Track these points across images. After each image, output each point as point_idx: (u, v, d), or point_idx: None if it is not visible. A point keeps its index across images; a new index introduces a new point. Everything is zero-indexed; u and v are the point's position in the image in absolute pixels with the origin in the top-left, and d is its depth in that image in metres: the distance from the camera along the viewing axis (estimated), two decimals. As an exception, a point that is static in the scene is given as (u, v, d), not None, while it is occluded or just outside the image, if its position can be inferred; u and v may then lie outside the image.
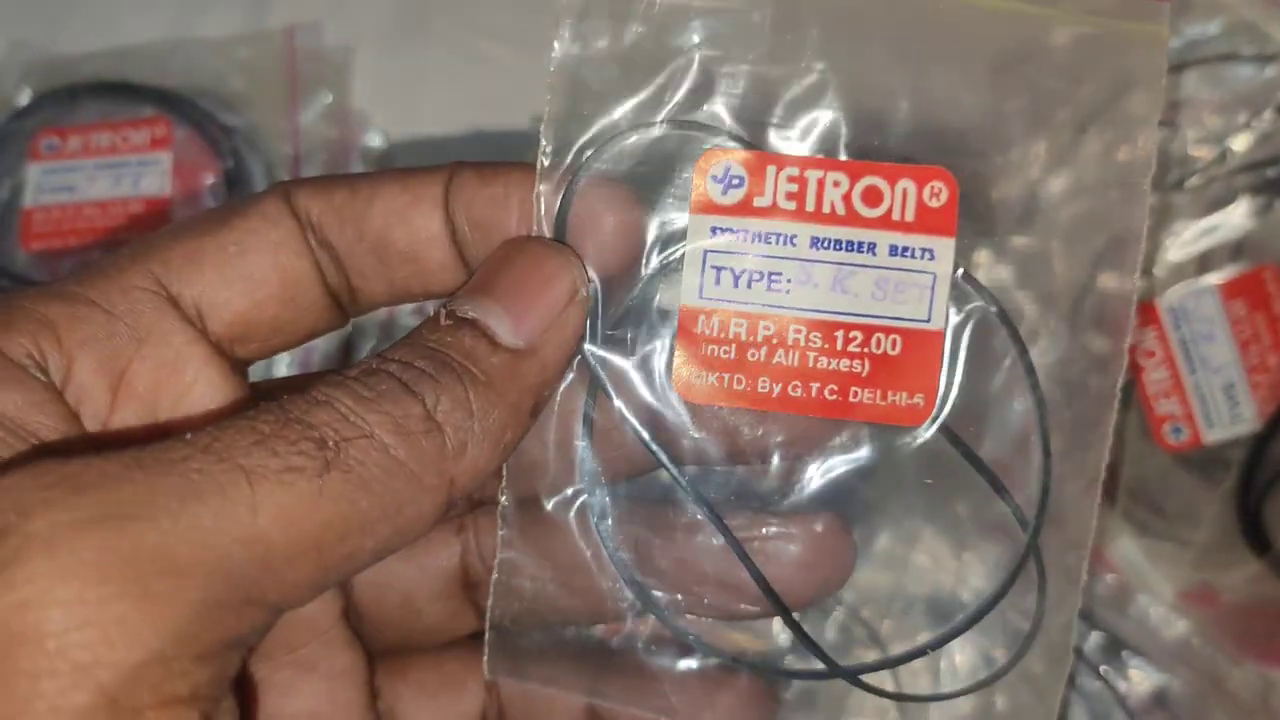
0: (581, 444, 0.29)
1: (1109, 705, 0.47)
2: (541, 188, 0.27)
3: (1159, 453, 0.49)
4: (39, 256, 0.56)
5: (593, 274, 0.28)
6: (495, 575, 0.29)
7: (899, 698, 0.31)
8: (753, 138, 0.28)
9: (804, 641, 0.29)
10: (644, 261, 0.28)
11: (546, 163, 0.28)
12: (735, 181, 0.28)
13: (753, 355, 0.28)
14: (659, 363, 0.28)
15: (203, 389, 0.26)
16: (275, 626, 0.23)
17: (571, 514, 0.29)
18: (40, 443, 0.23)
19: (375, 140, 0.59)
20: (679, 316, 0.28)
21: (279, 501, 0.21)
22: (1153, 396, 0.49)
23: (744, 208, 0.28)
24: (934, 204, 0.27)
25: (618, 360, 0.29)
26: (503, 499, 0.29)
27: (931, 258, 0.28)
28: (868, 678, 0.30)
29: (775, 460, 0.29)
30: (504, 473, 0.29)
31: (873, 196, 0.28)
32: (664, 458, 0.29)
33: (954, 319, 0.28)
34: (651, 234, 0.28)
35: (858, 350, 0.28)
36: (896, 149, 0.28)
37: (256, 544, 0.21)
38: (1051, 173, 0.28)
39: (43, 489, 0.20)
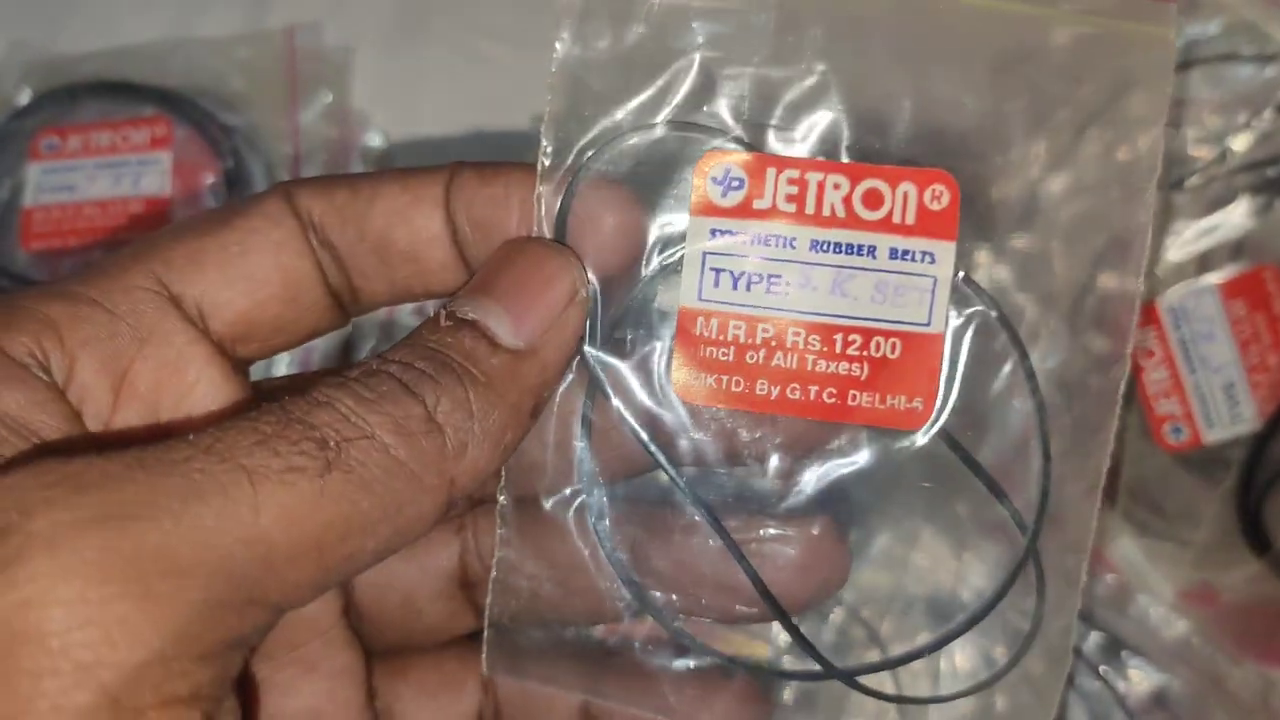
0: (580, 444, 0.29)
1: (1108, 705, 0.47)
2: (542, 188, 0.27)
3: (1159, 452, 0.49)
4: (39, 256, 0.56)
5: (592, 275, 0.28)
6: (493, 574, 0.29)
7: (894, 699, 0.31)
8: (753, 139, 0.28)
9: (800, 643, 0.29)
10: (644, 263, 0.28)
11: (547, 163, 0.28)
12: (735, 183, 0.28)
13: (751, 357, 0.28)
14: (658, 364, 0.28)
15: (205, 389, 0.26)
16: (276, 626, 0.23)
17: (570, 514, 0.29)
18: (42, 442, 0.23)
19: (375, 140, 0.59)
20: (678, 318, 0.28)
21: (281, 501, 0.21)
22: (1153, 396, 0.49)
23: (744, 210, 0.28)
24: (935, 207, 0.27)
25: (617, 361, 0.29)
26: (501, 498, 0.29)
27: (932, 261, 0.28)
28: (866, 679, 0.30)
29: (773, 462, 0.29)
30: (503, 472, 0.29)
31: (873, 199, 0.28)
32: (662, 459, 0.29)
33: (954, 322, 0.28)
34: (651, 235, 0.28)
35: (857, 353, 0.28)
36: (898, 151, 0.28)
37: (258, 544, 0.21)
38: (1052, 173, 0.28)
39: (44, 488, 0.20)
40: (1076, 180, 0.28)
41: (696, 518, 0.29)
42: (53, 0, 0.62)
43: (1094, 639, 0.48)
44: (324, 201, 0.27)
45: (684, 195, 0.28)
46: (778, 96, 0.28)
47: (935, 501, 0.31)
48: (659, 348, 0.28)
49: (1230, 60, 0.49)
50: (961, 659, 0.32)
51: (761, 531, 0.29)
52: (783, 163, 0.28)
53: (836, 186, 0.28)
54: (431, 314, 0.50)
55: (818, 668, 0.30)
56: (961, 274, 0.28)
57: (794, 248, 0.28)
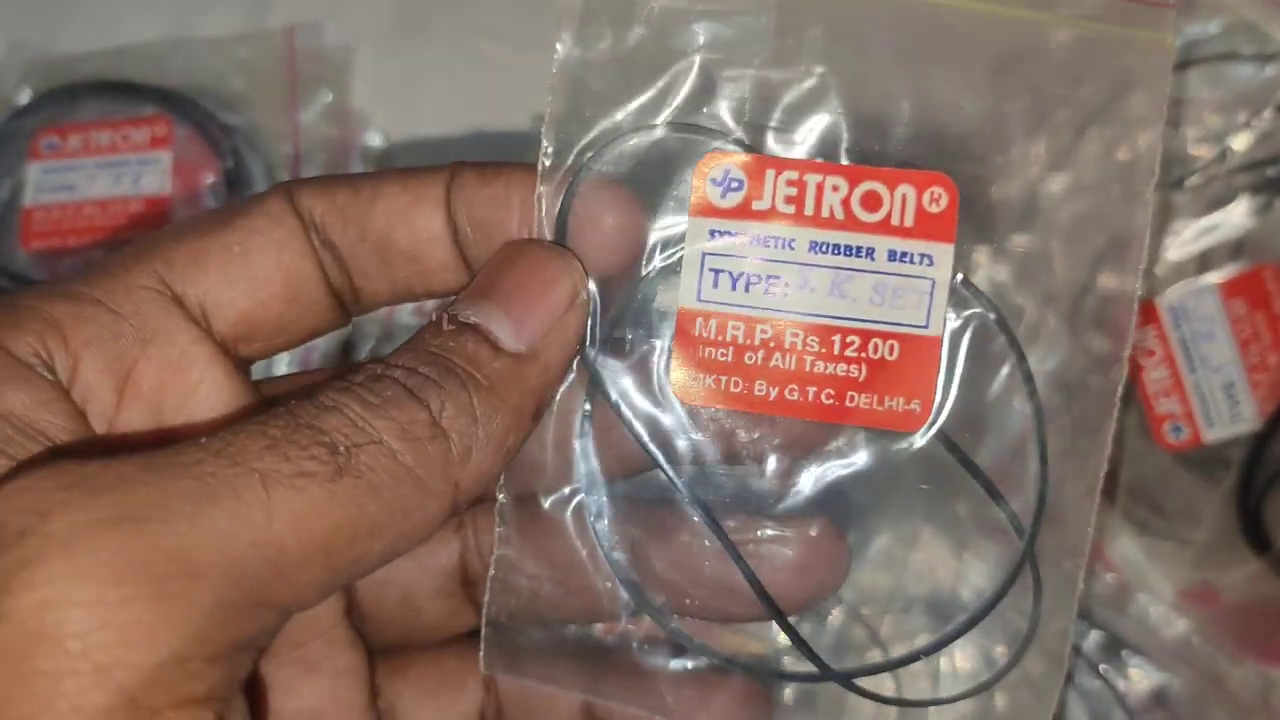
0: (579, 444, 0.29)
1: (1109, 704, 0.48)
2: (542, 188, 0.28)
3: (1159, 452, 0.49)
4: (39, 256, 0.56)
5: (592, 275, 0.28)
6: (492, 572, 0.29)
7: (891, 701, 0.31)
8: (753, 141, 0.28)
9: (799, 645, 0.29)
10: (643, 263, 0.28)
11: (548, 163, 0.28)
12: (734, 185, 0.28)
13: (750, 358, 0.28)
14: (657, 364, 0.29)
15: (208, 388, 0.26)
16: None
17: (568, 513, 0.29)
18: (54, 445, 0.24)
19: (375, 140, 0.59)
20: (677, 319, 0.28)
21: (292, 506, 0.22)
22: (1153, 395, 0.49)
23: (743, 211, 0.28)
24: (933, 209, 0.27)
25: (616, 361, 0.29)
26: (500, 497, 0.29)
27: (930, 263, 0.28)
28: (865, 680, 0.30)
29: (772, 463, 0.29)
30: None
31: (872, 201, 0.28)
32: (660, 459, 0.29)
33: (953, 324, 0.28)
34: (651, 236, 0.28)
35: (855, 355, 0.28)
36: (897, 153, 0.28)
37: (270, 547, 0.21)
38: (1051, 173, 0.28)
39: (60, 489, 0.20)
40: (1075, 180, 0.28)
41: (695, 519, 0.29)
42: (53, 0, 0.62)
43: (1094, 638, 0.48)
44: (325, 201, 0.27)
45: (683, 196, 0.28)
46: (777, 98, 0.28)
47: (935, 502, 0.31)
48: (658, 348, 0.28)
49: (1230, 60, 0.49)
50: (961, 659, 0.32)
51: (759, 532, 0.29)
52: (782, 164, 0.28)
53: (835, 188, 0.28)
54: (431, 313, 0.50)
55: (815, 669, 0.30)
56: (960, 276, 0.28)
57: (793, 249, 0.28)
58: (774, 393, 0.28)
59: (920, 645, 0.32)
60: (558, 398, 0.28)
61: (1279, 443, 0.47)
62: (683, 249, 0.28)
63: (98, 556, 0.20)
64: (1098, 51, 0.27)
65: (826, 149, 0.28)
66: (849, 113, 0.28)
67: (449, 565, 0.31)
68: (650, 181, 0.28)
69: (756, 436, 0.29)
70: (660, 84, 0.28)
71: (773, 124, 0.28)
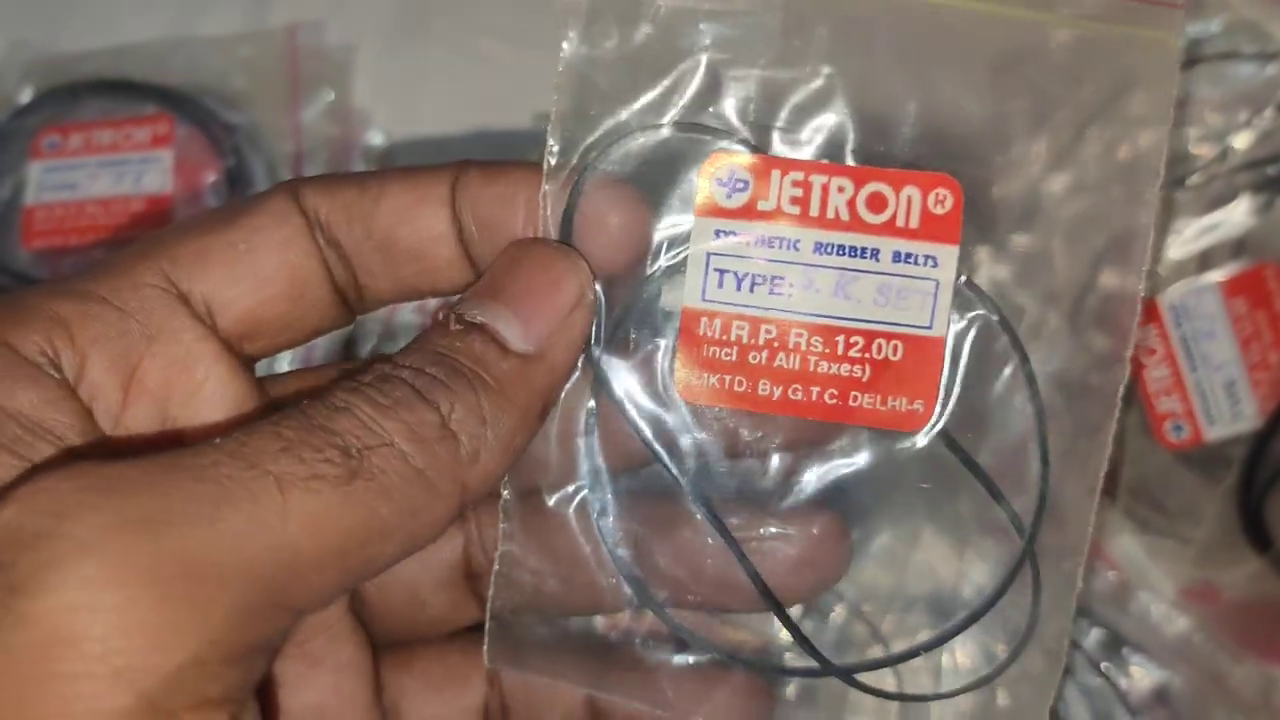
0: (583, 441, 0.29)
1: (1110, 702, 0.48)
2: (547, 187, 0.28)
3: (1160, 450, 0.49)
4: (40, 254, 0.56)
5: (597, 274, 0.28)
6: (496, 567, 0.29)
7: (890, 696, 0.31)
8: (759, 141, 0.28)
9: (800, 640, 0.30)
10: (649, 262, 0.28)
11: (553, 162, 0.28)
12: (740, 185, 0.28)
13: (754, 358, 0.28)
14: (661, 363, 0.29)
15: (213, 386, 0.26)
16: None
17: (572, 509, 0.29)
18: (70, 446, 0.24)
19: (377, 138, 0.59)
20: (681, 318, 0.28)
21: (307, 508, 0.22)
22: (1154, 394, 0.49)
23: (748, 211, 0.28)
24: (938, 211, 0.27)
25: (620, 360, 0.29)
26: (504, 493, 0.29)
27: (935, 264, 0.28)
28: (865, 676, 0.30)
29: (775, 462, 0.29)
30: None
31: (877, 202, 0.28)
32: (664, 457, 0.29)
33: (956, 325, 0.28)
34: (656, 235, 0.28)
35: (859, 355, 0.28)
36: (902, 154, 0.28)
37: (286, 550, 0.21)
38: (1054, 172, 0.28)
39: (78, 492, 0.20)
40: (1078, 180, 0.28)
41: (698, 516, 0.29)
42: (54, 0, 0.62)
43: (1095, 636, 0.48)
44: (330, 200, 0.27)
45: (689, 196, 0.28)
46: (783, 98, 0.28)
47: (936, 500, 0.31)
48: (662, 347, 0.29)
49: (1231, 58, 0.49)
50: (962, 655, 0.32)
51: (762, 530, 0.29)
52: (787, 165, 0.28)
53: (841, 189, 0.28)
54: (433, 311, 0.50)
55: (817, 665, 0.30)
56: (964, 278, 0.28)
57: (798, 249, 0.28)
58: (778, 392, 0.28)
59: (921, 642, 0.33)
60: (562, 396, 0.28)
61: (1280, 441, 0.47)
62: (687, 248, 0.28)
63: (116, 559, 0.20)
64: (1102, 52, 0.27)
65: (832, 150, 0.28)
66: (855, 113, 0.28)
67: (452, 559, 0.31)
68: (655, 181, 0.28)
69: (760, 435, 0.29)
70: (666, 83, 0.28)
71: (778, 124, 0.28)
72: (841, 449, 0.29)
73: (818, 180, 0.28)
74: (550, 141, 0.28)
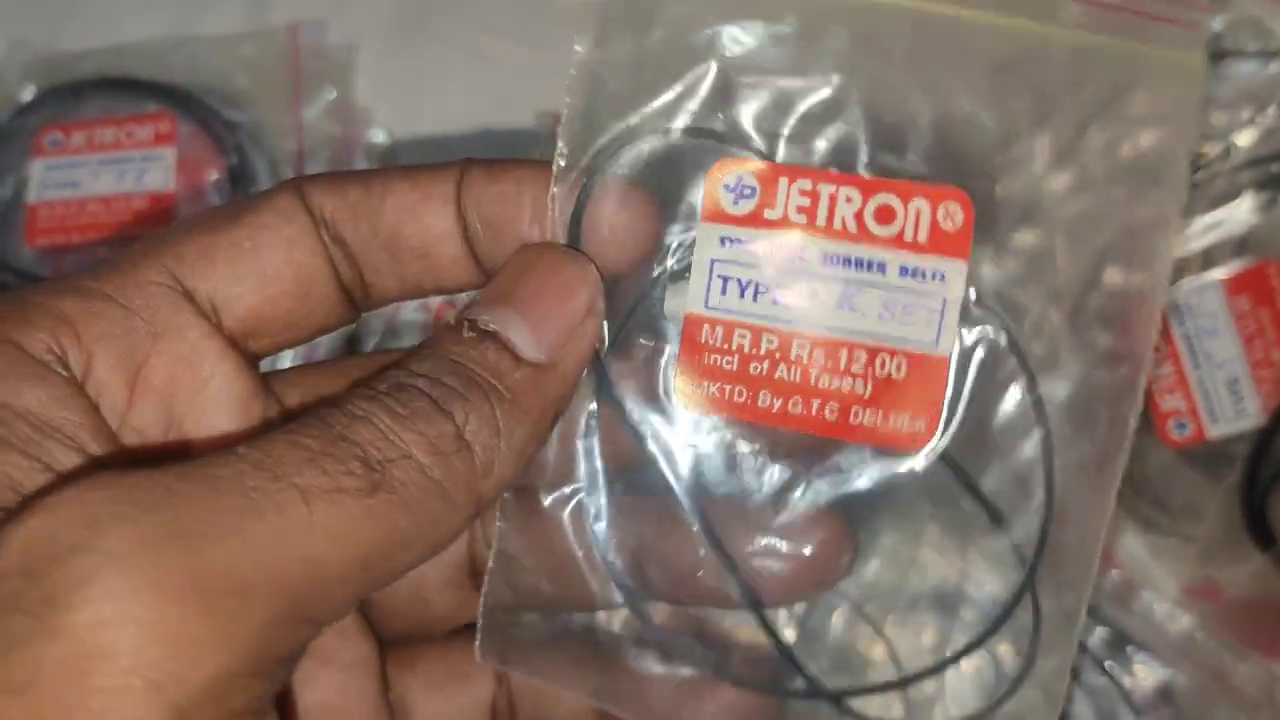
0: (582, 443, 0.29)
1: (1114, 700, 0.48)
2: (556, 190, 0.27)
3: (1163, 448, 0.49)
4: (43, 252, 0.56)
5: (604, 274, 0.28)
6: (491, 564, 0.29)
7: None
8: (768, 149, 0.28)
9: (793, 665, 0.29)
10: (654, 266, 0.28)
11: (563, 164, 0.27)
12: (747, 192, 0.28)
13: (755, 368, 0.28)
14: (662, 369, 0.28)
15: (218, 384, 0.26)
16: None
17: (566, 512, 0.29)
18: (92, 456, 0.24)
19: (379, 137, 0.59)
20: (683, 324, 0.28)
21: (332, 521, 0.22)
22: (1157, 392, 0.49)
23: (755, 219, 0.28)
24: (948, 226, 0.27)
25: (622, 363, 0.28)
26: (505, 493, 0.29)
27: (942, 280, 0.27)
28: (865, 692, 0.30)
29: (773, 474, 0.29)
30: None
31: (885, 214, 0.27)
32: (662, 463, 0.29)
33: (963, 343, 0.28)
34: (662, 239, 0.28)
35: (861, 371, 0.27)
36: (912, 166, 0.27)
37: (313, 563, 0.21)
38: (1073, 195, 0.28)
39: (110, 503, 0.20)
40: (1094, 206, 0.28)
41: (694, 528, 0.29)
42: (55, -1, 0.62)
43: (1099, 634, 0.48)
44: (335, 198, 0.27)
45: (695, 201, 0.28)
46: (794, 106, 0.28)
47: (941, 499, 0.30)
48: (664, 352, 0.28)
49: (1234, 56, 0.49)
50: (968, 664, 0.31)
51: (757, 542, 0.29)
52: (795, 173, 0.27)
53: (849, 200, 0.27)
54: (436, 308, 0.50)
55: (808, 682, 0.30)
56: (974, 294, 0.28)
57: (803, 260, 0.27)
58: (777, 404, 0.28)
59: (925, 641, 0.32)
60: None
61: (1283, 439, 0.47)
62: (692, 254, 0.28)
63: (151, 573, 0.20)
64: (1125, 72, 0.27)
65: (841, 159, 0.28)
66: (865, 123, 0.27)
67: (457, 556, 0.31)
68: (663, 185, 0.28)
69: (758, 447, 0.29)
70: (677, 88, 0.28)
71: (788, 132, 0.28)
72: (839, 465, 0.29)
73: (826, 190, 0.27)
74: (560, 144, 0.27)
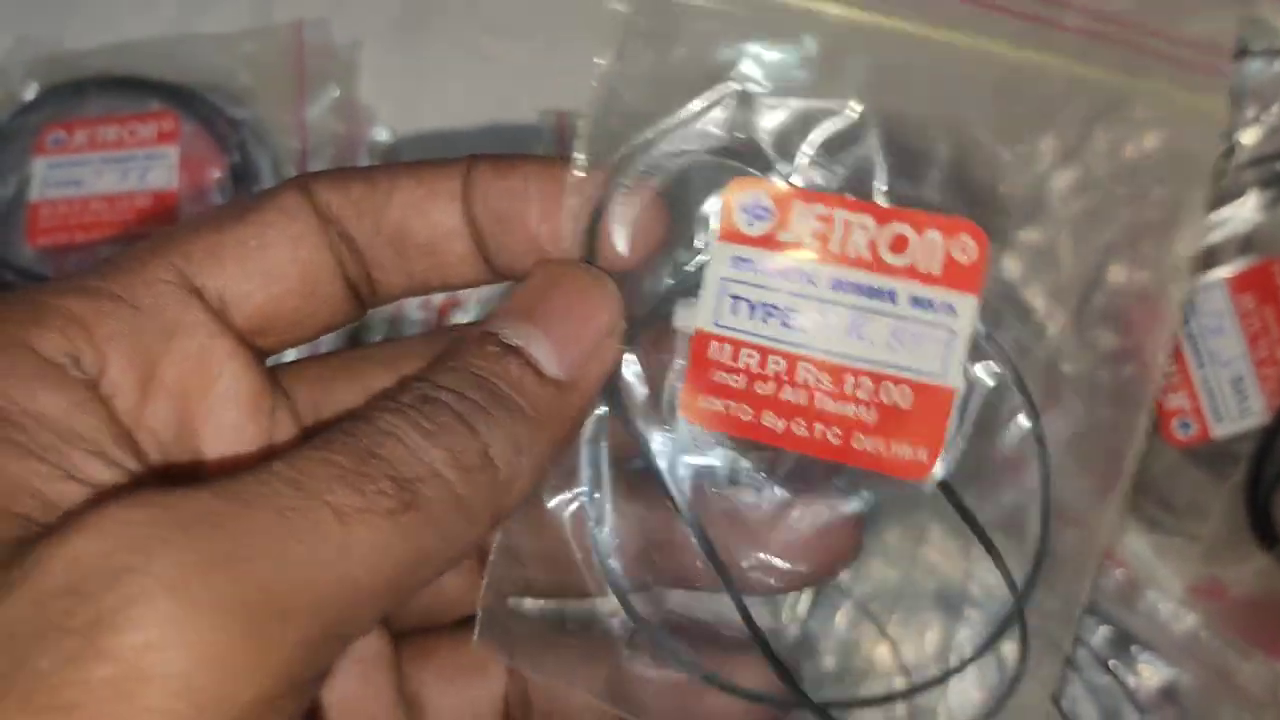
0: (587, 449, 0.29)
1: (1118, 700, 0.48)
2: (572, 201, 0.27)
3: (1167, 447, 0.49)
4: (45, 251, 0.56)
5: (610, 274, 0.28)
6: (492, 558, 0.29)
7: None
8: (785, 172, 0.28)
9: (785, 681, 0.29)
10: (663, 279, 0.28)
11: (580, 176, 0.27)
12: (762, 213, 0.28)
13: (761, 388, 0.28)
14: (669, 383, 0.29)
15: (228, 382, 0.26)
16: None
17: (567, 514, 0.29)
18: (132, 473, 0.24)
19: (382, 135, 0.59)
20: (692, 341, 0.28)
21: (365, 541, 0.22)
22: (1160, 391, 0.49)
23: (768, 241, 0.28)
24: (961, 259, 0.27)
25: (629, 375, 0.29)
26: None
27: (953, 313, 0.27)
28: (868, 681, 0.30)
29: (774, 493, 0.29)
30: None
31: (899, 244, 0.27)
32: (664, 475, 0.29)
33: (970, 376, 0.28)
34: (674, 256, 0.28)
35: (866, 397, 0.27)
36: (929, 197, 0.27)
37: (347, 583, 0.22)
38: (1095, 227, 0.28)
39: (153, 524, 0.21)
40: (1131, 256, 0.28)
41: (692, 540, 0.29)
42: (57, -2, 0.62)
43: (1103, 633, 0.48)
44: (341, 195, 0.27)
45: (709, 218, 0.28)
46: (813, 130, 0.28)
47: (943, 502, 0.30)
48: (672, 367, 0.28)
49: (1239, 55, 0.49)
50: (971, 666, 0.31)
51: (756, 556, 0.29)
52: (811, 197, 0.27)
53: (863, 227, 0.27)
54: (439, 306, 0.50)
55: (820, 673, 0.30)
56: (985, 331, 0.28)
57: (815, 284, 0.27)
58: (781, 425, 0.28)
59: (929, 640, 0.32)
60: None
61: (1287, 438, 0.47)
62: (704, 272, 0.28)
63: (200, 597, 0.20)
64: (1148, 109, 0.27)
65: (858, 186, 0.28)
66: (884, 150, 0.27)
67: None
68: (679, 201, 0.28)
69: (760, 466, 0.29)
70: (697, 106, 0.28)
71: (806, 155, 0.28)
72: (840, 488, 0.29)
73: (840, 216, 0.27)
74: (577, 155, 0.27)
